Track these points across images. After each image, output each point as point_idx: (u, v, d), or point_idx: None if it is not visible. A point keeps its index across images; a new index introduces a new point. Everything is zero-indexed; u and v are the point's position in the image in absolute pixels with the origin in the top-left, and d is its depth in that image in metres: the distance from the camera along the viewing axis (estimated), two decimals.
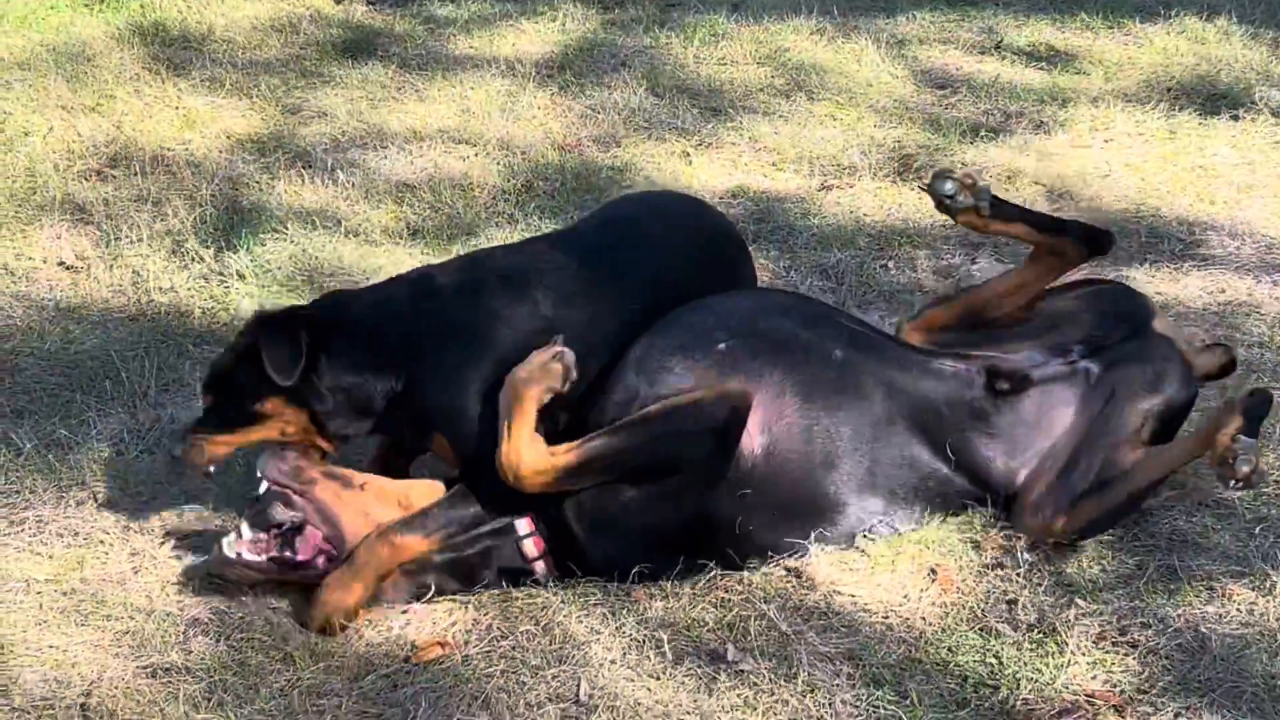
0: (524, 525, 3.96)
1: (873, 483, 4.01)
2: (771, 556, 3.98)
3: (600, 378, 4.06)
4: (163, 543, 4.22)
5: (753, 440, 3.92)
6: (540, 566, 3.97)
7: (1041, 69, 7.34)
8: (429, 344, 4.11)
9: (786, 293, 4.80)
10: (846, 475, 4.00)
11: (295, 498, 3.98)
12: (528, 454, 3.81)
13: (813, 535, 3.99)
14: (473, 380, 4.04)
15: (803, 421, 3.97)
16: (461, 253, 4.68)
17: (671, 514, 3.92)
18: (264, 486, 4.03)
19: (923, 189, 4.35)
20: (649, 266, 4.34)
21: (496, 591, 3.96)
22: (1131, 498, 4.01)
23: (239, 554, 3.93)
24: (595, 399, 4.02)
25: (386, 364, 4.12)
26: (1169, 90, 6.93)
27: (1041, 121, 6.70)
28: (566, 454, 3.83)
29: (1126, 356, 4.17)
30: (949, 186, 4.21)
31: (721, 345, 3.99)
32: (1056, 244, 4.28)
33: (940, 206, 4.26)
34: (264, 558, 3.94)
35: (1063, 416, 4.12)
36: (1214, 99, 6.83)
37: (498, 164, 6.43)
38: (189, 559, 4.15)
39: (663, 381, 3.95)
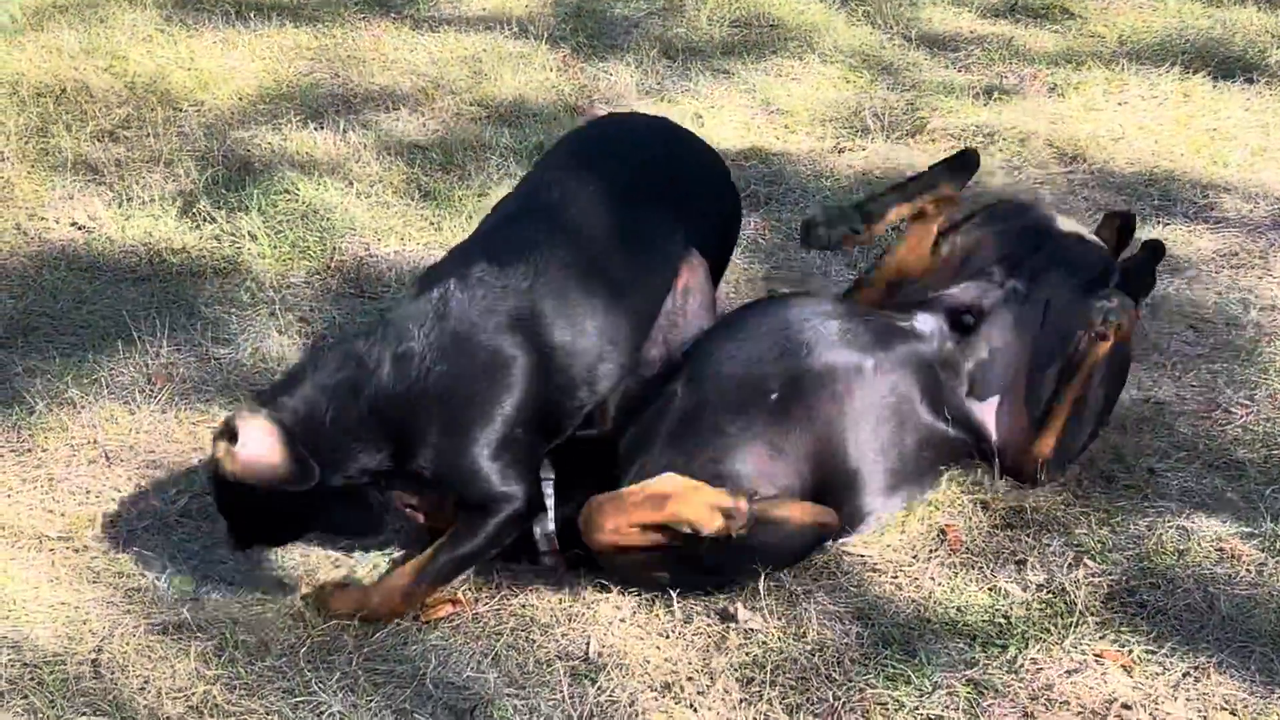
0: (546, 522, 3.93)
1: (895, 483, 3.99)
2: None
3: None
4: (174, 502, 4.24)
5: (801, 479, 3.89)
6: (549, 560, 3.95)
7: (1055, 31, 7.31)
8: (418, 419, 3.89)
9: (790, 298, 4.48)
10: (876, 484, 3.96)
11: None
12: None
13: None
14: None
15: (840, 448, 3.92)
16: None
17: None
18: None
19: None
20: (622, 212, 4.16)
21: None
22: (1101, 401, 4.09)
23: None
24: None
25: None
26: (1183, 53, 6.90)
27: (1055, 84, 6.68)
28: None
29: (1045, 264, 4.22)
30: (821, 232, 4.27)
31: (773, 396, 3.92)
32: (936, 196, 4.37)
33: (824, 248, 4.38)
34: None
35: (1011, 342, 4.13)
36: (1228, 61, 6.80)
37: (510, 125, 6.43)
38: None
39: (727, 452, 3.86)
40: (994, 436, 4.11)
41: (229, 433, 3.72)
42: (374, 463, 3.83)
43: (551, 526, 3.90)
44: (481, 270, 3.94)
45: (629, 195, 4.20)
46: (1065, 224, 4.39)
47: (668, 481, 3.71)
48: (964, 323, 4.13)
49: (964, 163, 4.53)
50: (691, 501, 3.65)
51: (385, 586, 3.79)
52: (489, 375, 3.85)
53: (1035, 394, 4.07)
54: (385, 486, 3.92)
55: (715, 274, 4.39)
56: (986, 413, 4.11)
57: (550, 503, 3.91)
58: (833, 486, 3.89)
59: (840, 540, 3.92)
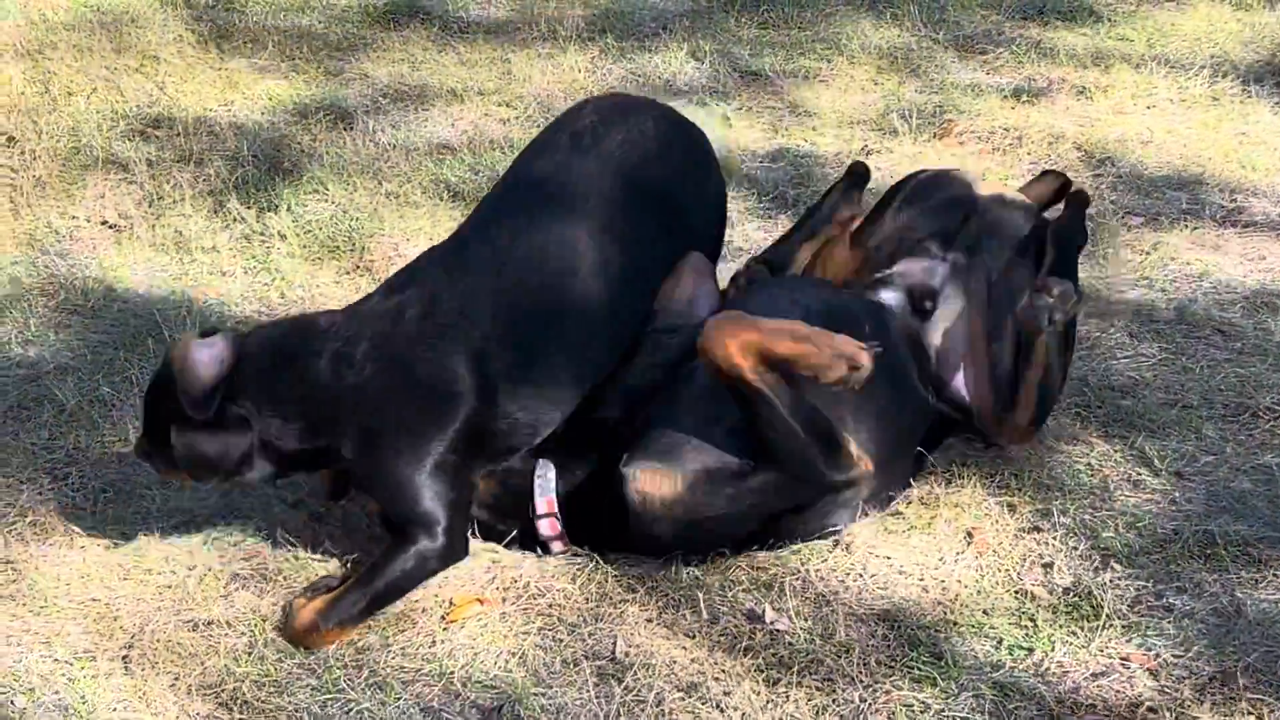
0: (543, 505, 3.94)
1: (893, 453, 4.01)
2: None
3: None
4: (205, 499, 4.26)
5: None
6: (557, 546, 3.97)
7: (1084, 34, 7.30)
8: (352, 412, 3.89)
9: (786, 279, 4.56)
10: (877, 452, 3.95)
11: None
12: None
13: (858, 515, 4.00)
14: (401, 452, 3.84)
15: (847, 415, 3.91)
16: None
17: (754, 520, 3.87)
18: None
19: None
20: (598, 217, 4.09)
21: (533, 551, 3.98)
22: (1061, 364, 4.14)
23: None
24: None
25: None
26: (1211, 56, 6.88)
27: (1083, 86, 6.67)
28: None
29: (978, 233, 4.25)
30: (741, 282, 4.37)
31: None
32: (839, 220, 4.49)
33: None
34: None
35: (963, 315, 4.17)
36: (1257, 66, 6.79)
37: (538, 126, 6.42)
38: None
39: None
40: (971, 406, 4.17)
41: (203, 334, 3.91)
42: (287, 441, 3.87)
43: (555, 508, 3.92)
44: (445, 289, 3.92)
45: (621, 200, 4.14)
46: (984, 189, 4.40)
47: (801, 325, 3.72)
48: (924, 307, 4.19)
49: (855, 179, 4.61)
50: (822, 346, 3.67)
51: (298, 619, 3.73)
52: (426, 401, 3.84)
53: (997, 365, 4.11)
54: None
55: (712, 258, 4.39)
56: (957, 384, 4.16)
57: (553, 485, 3.93)
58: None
59: (867, 545, 3.93)
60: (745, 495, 3.77)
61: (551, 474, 3.94)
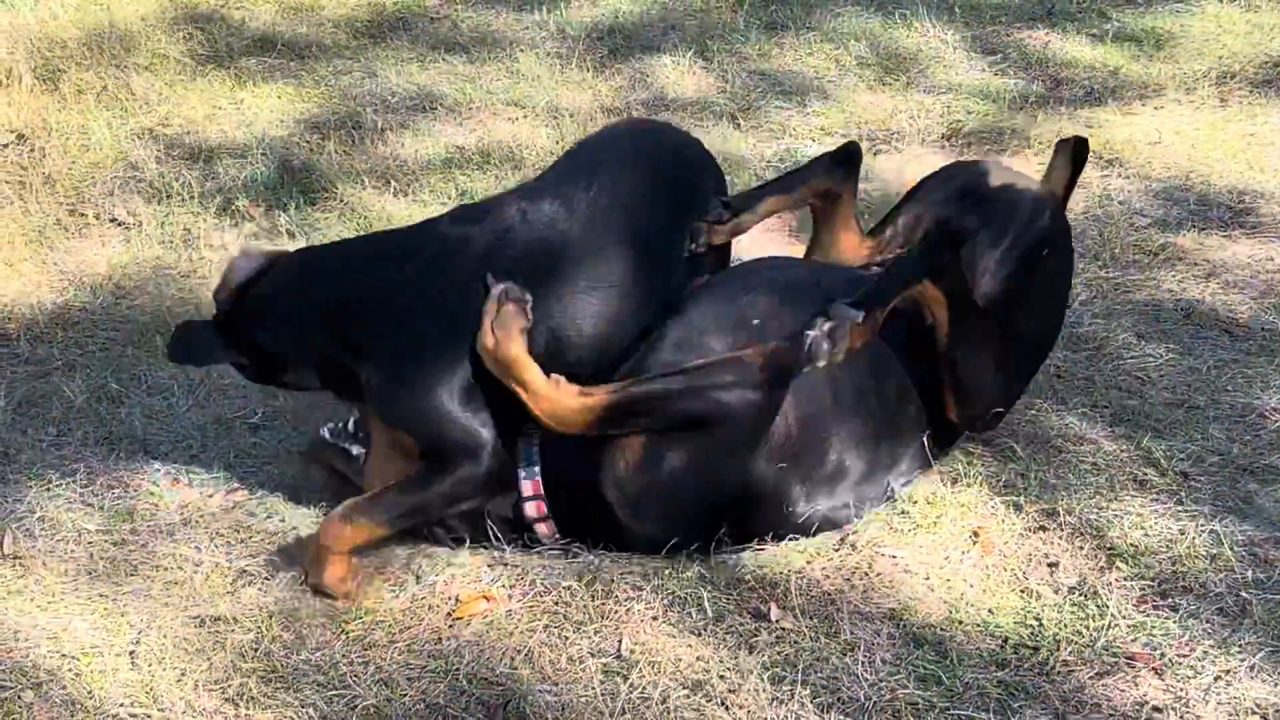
0: (529, 488, 3.95)
1: (874, 433, 4.00)
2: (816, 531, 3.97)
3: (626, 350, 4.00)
4: (212, 495, 4.27)
5: (788, 413, 3.87)
6: (542, 529, 3.97)
7: (1092, 35, 7.30)
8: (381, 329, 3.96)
9: (762, 259, 4.54)
10: (853, 432, 3.96)
11: None
12: (559, 395, 3.76)
13: (853, 502, 4.00)
14: (434, 376, 3.87)
15: (834, 386, 3.94)
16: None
17: (714, 488, 3.86)
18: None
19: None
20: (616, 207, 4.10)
21: (538, 549, 3.99)
22: (981, 364, 4.06)
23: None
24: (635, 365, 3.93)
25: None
26: (1220, 58, 6.88)
27: (1091, 88, 6.67)
28: (603, 395, 3.76)
29: (971, 225, 4.13)
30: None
31: (755, 322, 3.92)
32: (815, 189, 4.35)
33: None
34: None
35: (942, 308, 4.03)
36: (1265, 68, 6.78)
37: (546, 127, 6.45)
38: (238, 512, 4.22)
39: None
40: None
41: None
42: (313, 347, 4.00)
43: (541, 490, 3.94)
44: (518, 230, 3.98)
45: (654, 194, 4.17)
46: (998, 176, 4.31)
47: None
48: None
49: (844, 156, 4.42)
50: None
51: (326, 524, 3.84)
52: (469, 328, 3.84)
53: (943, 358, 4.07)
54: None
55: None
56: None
57: (538, 468, 3.93)
58: (813, 423, 3.91)
59: (873, 543, 3.93)
60: (701, 451, 3.79)
61: (536, 455, 3.95)
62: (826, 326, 3.77)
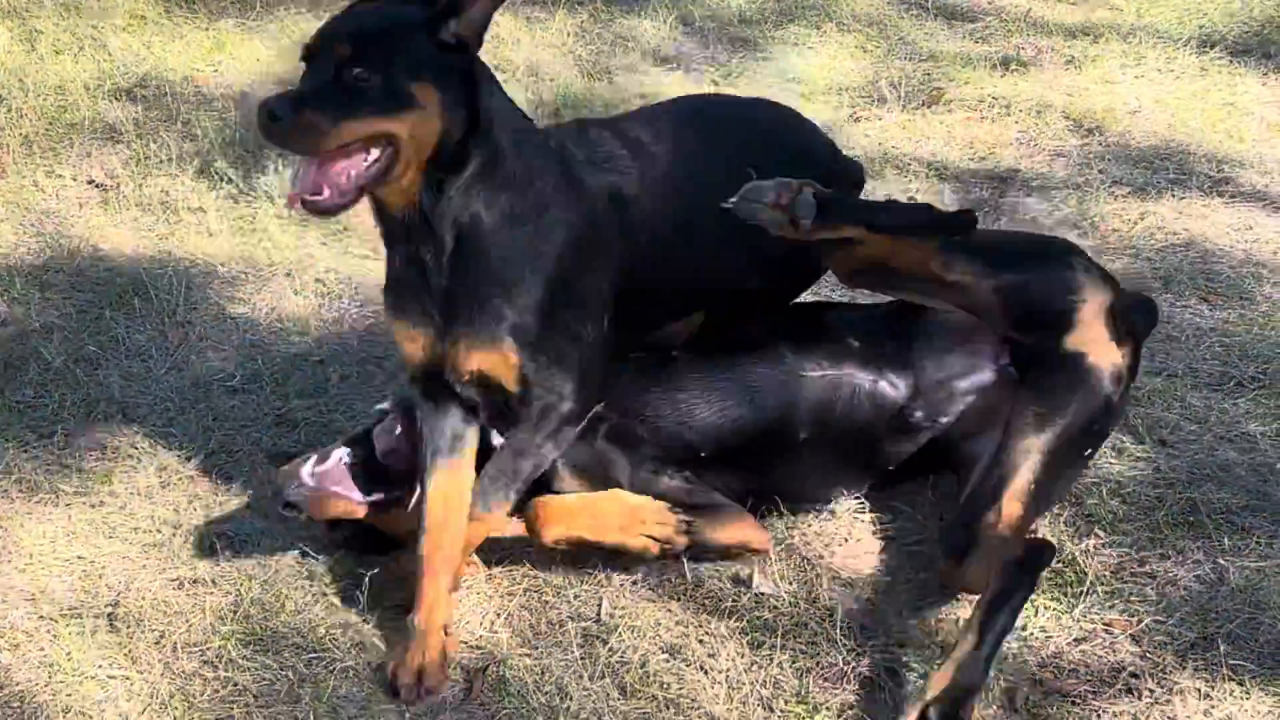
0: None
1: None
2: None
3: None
4: (190, 458, 4.26)
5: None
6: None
7: (1072, 3, 7.30)
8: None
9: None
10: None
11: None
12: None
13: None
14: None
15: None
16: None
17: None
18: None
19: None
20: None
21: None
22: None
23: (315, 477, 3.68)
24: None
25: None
26: (1200, 27, 6.89)
27: (1072, 56, 6.67)
28: None
29: (1033, 374, 3.73)
30: (756, 209, 3.66)
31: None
32: (904, 241, 3.78)
33: (747, 219, 3.69)
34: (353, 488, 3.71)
35: (992, 428, 3.77)
36: (1245, 37, 6.79)
37: (526, 90, 6.43)
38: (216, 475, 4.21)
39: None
40: None
41: None
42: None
43: None
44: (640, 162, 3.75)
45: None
46: (1073, 339, 3.71)
47: (613, 505, 3.70)
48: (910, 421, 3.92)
49: (959, 226, 3.80)
50: (632, 532, 3.67)
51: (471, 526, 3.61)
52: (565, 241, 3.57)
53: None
54: None
55: None
56: None
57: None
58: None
59: (854, 510, 3.94)
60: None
61: None
62: (781, 193, 3.62)
